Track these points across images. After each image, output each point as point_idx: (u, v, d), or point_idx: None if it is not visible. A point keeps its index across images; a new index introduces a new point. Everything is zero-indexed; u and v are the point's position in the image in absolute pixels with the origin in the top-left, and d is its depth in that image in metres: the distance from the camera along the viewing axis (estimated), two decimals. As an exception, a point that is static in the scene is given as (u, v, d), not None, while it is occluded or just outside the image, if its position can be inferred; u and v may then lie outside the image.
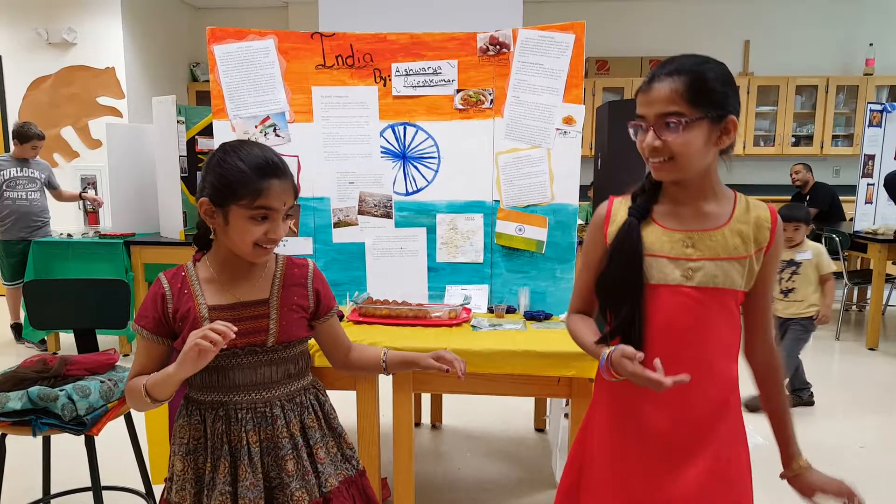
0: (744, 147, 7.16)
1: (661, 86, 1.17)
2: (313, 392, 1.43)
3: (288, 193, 1.28)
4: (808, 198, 6.31)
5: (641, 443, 1.28)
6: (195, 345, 1.16)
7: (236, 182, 1.23)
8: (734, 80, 1.21)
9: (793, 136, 7.19)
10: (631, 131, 1.23)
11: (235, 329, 1.18)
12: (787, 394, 3.35)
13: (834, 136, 7.19)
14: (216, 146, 2.49)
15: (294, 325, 1.36)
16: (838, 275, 5.52)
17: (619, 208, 1.32)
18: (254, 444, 1.31)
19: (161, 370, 1.25)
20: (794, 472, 1.33)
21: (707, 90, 1.15)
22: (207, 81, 7.51)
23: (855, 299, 5.91)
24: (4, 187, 4.56)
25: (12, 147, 4.66)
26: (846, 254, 5.36)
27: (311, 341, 1.49)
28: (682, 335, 1.22)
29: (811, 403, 3.65)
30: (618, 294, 1.25)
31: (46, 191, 4.80)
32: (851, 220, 5.80)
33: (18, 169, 4.61)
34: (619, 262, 1.24)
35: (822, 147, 7.13)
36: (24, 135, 4.54)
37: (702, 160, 1.19)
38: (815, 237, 5.56)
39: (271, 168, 1.26)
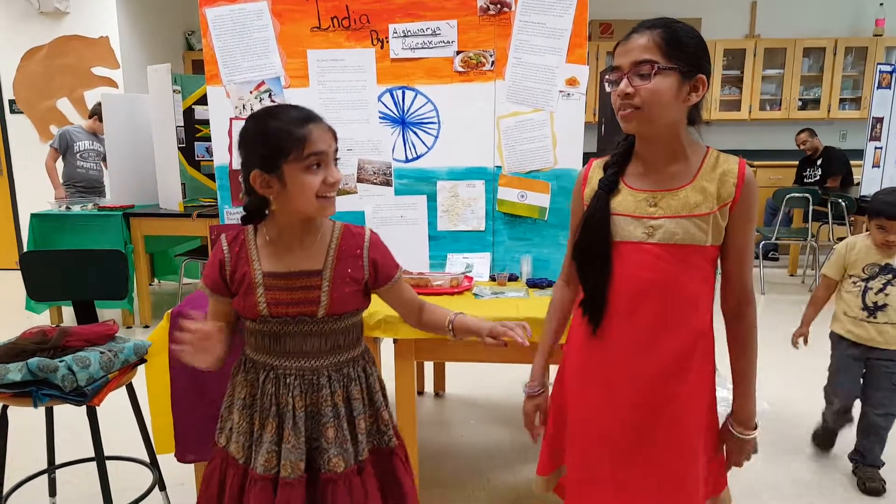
0: (750, 111, 7.06)
1: (638, 36, 1.24)
2: (362, 364, 1.44)
3: (329, 135, 1.29)
4: (819, 162, 6.23)
5: (608, 391, 1.36)
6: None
7: (280, 140, 1.24)
8: (707, 47, 1.27)
9: (799, 99, 7.08)
10: (607, 87, 1.28)
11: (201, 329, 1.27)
12: (866, 469, 2.47)
13: (841, 100, 7.08)
14: (211, 115, 2.47)
15: (346, 298, 1.35)
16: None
17: (594, 172, 1.40)
18: (299, 408, 1.34)
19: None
20: (726, 436, 1.39)
21: (680, 44, 1.22)
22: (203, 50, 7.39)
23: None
24: (79, 157, 5.10)
25: (85, 121, 5.27)
26: (852, 219, 5.31)
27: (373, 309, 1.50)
28: (643, 289, 1.30)
29: (877, 491, 2.44)
30: (587, 260, 1.35)
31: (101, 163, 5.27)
32: (858, 184, 5.74)
33: (90, 142, 5.15)
34: (587, 232, 1.34)
35: (829, 110, 7.02)
36: None
37: (668, 112, 1.24)
38: (821, 202, 5.51)
39: (305, 115, 1.27)
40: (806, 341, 2.61)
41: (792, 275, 6.06)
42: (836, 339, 2.59)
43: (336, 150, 1.31)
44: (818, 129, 6.31)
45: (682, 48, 1.22)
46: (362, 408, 1.41)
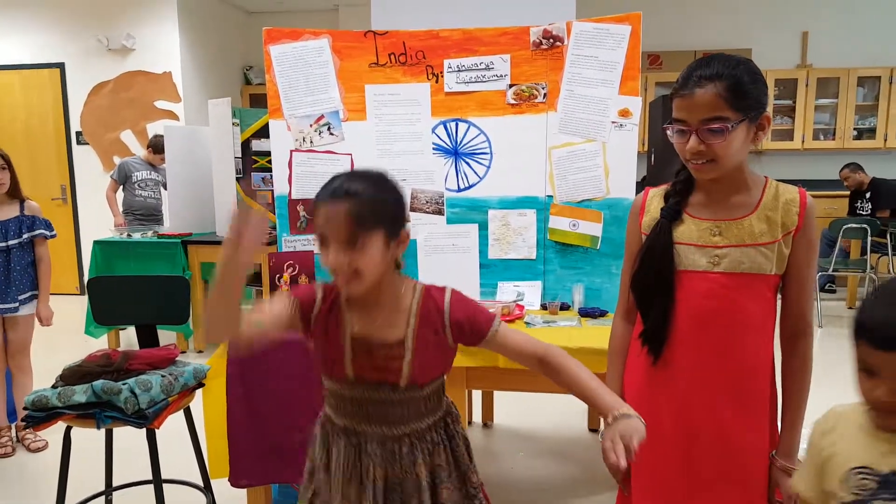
0: (803, 141, 6.92)
1: (704, 91, 1.20)
2: (443, 425, 1.35)
3: (337, 222, 1.16)
4: (868, 195, 6.05)
5: (675, 419, 1.34)
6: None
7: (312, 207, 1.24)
8: (765, 80, 1.26)
9: (854, 129, 6.90)
10: (669, 133, 1.28)
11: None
12: None
13: (899, 129, 6.88)
14: (272, 147, 2.55)
15: (429, 365, 1.28)
16: (907, 273, 5.30)
17: (652, 200, 1.40)
18: (379, 478, 1.28)
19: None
20: (775, 470, 1.33)
21: (745, 91, 1.21)
22: (260, 84, 7.68)
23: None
24: (137, 186, 5.33)
25: (143, 152, 5.49)
26: (915, 251, 5.12)
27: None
28: (708, 317, 1.30)
29: None
30: (649, 289, 1.34)
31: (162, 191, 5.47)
32: (919, 215, 5.55)
33: (148, 172, 5.37)
34: (650, 261, 1.33)
35: (885, 140, 6.82)
36: (160, 146, 5.17)
37: (740, 157, 1.26)
38: (881, 233, 5.33)
39: (327, 194, 1.19)
40: None
41: (850, 307, 5.85)
42: None
43: (351, 235, 1.15)
44: (874, 159, 6.14)
45: (748, 94, 1.21)
46: (446, 476, 1.32)
